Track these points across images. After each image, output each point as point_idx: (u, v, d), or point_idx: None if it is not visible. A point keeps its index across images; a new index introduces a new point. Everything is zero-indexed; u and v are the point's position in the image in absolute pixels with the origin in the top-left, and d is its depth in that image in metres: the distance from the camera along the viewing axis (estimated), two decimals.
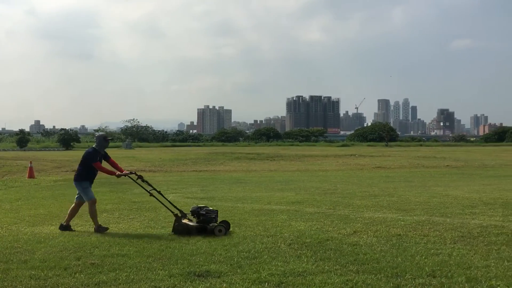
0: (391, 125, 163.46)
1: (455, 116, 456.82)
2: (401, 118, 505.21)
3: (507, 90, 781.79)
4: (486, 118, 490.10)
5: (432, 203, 11.23)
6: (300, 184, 16.85)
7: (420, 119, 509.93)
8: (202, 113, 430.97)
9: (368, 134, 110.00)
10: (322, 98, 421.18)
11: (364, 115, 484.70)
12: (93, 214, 8.00)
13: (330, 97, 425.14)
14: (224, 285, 4.89)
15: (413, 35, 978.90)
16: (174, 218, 7.71)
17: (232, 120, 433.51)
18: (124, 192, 14.00)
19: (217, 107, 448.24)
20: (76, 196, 8.30)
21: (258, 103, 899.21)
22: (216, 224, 7.56)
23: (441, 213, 9.69)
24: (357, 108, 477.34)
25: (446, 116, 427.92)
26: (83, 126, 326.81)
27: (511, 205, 10.61)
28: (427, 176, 20.79)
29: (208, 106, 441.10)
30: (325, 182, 17.89)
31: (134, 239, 7.24)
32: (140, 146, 66.01)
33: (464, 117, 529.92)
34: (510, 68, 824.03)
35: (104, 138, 8.41)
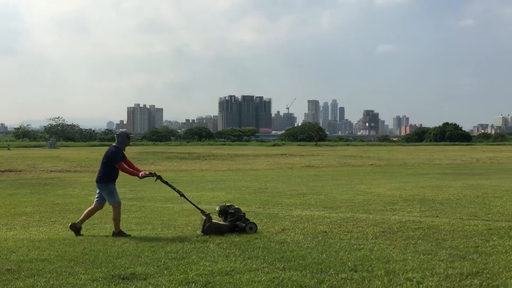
0: (320, 125, 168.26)
1: (380, 117, 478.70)
2: (329, 119, 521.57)
3: (426, 93, 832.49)
4: (407, 119, 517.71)
5: (357, 200, 11.70)
6: (231, 184, 16.91)
7: (347, 119, 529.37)
8: (132, 112, 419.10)
9: (299, 134, 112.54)
10: (254, 98, 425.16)
11: (295, 115, 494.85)
12: (117, 218, 7.47)
13: (262, 97, 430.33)
14: (150, 287, 4.80)
15: (341, 39, 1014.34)
16: (204, 218, 7.46)
17: (164, 119, 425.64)
18: (46, 194, 13.33)
19: (148, 106, 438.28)
20: (96, 198, 7.69)
21: (190, 102, 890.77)
22: (247, 222, 7.55)
23: (365, 210, 10.12)
24: (288, 108, 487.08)
25: (371, 117, 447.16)
26: (2, 125, 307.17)
27: (428, 201, 11.29)
28: (353, 174, 21.63)
29: (138, 104, 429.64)
30: (255, 181, 18.08)
31: (55, 243, 6.91)
32: (65, 146, 62.98)
33: (387, 118, 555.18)
34: (430, 72, 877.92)
35: (127, 136, 8.00)
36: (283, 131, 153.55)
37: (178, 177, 20.22)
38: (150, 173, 7.68)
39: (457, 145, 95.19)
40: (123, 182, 17.26)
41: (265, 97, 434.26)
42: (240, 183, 17.28)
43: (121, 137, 7.75)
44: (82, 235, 7.58)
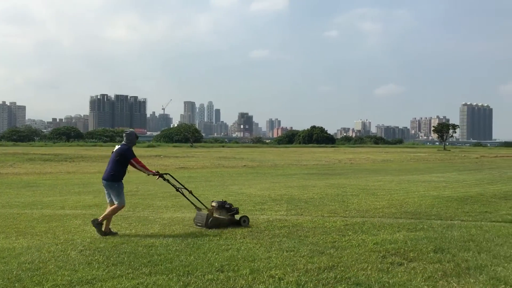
0: (197, 126, 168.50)
1: (254, 119, 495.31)
2: (205, 120, 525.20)
3: (296, 98, 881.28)
4: (279, 122, 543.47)
5: (228, 201, 11.86)
6: (100, 187, 16.04)
7: (223, 121, 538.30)
8: None
9: (174, 135, 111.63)
10: (129, 97, 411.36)
11: (171, 116, 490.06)
12: (110, 215, 7.57)
13: (137, 97, 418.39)
14: None
15: (217, 42, 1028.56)
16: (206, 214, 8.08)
17: (27, 118, 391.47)
18: None
19: (8, 103, 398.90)
20: (109, 198, 7.76)
21: (58, 101, 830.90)
22: (240, 215, 8.35)
23: None
24: (164, 109, 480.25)
25: (246, 120, 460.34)
26: None
27: (294, 201, 11.91)
28: (226, 175, 22.00)
29: None
30: (126, 183, 17.17)
31: None
32: None
33: (261, 121, 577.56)
34: (299, 78, 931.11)
35: (136, 135, 8.21)
36: (158, 132, 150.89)
37: (41, 180, 18.69)
38: (157, 173, 8.15)
39: (323, 147, 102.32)
40: None
41: (140, 97, 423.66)
42: None
43: (131, 136, 8.00)
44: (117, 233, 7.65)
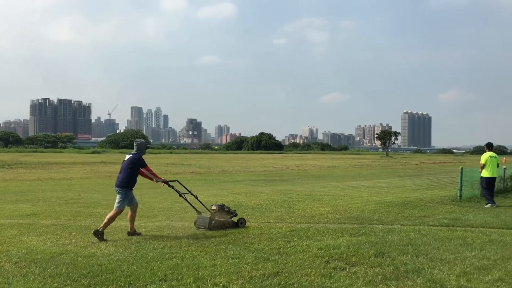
0: (144, 132, 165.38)
1: (203, 125, 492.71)
2: (153, 126, 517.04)
3: (246, 105, 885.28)
4: (228, 128, 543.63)
5: (174, 208, 11.74)
6: (39, 195, 15.41)
7: (171, 127, 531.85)
8: None
9: (120, 141, 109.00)
10: (73, 102, 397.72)
11: (117, 122, 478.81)
12: (110, 220, 7.88)
13: (81, 101, 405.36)
14: None
15: (166, 46, 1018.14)
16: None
17: None
18: None
19: None
20: (128, 204, 8.12)
21: None
22: (238, 217, 9.03)
23: (181, 217, 10.22)
24: (109, 114, 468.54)
25: (194, 126, 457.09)
26: None
27: (242, 207, 11.91)
28: None
29: None
30: (68, 191, 16.82)
31: None
32: None
33: (210, 127, 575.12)
34: (248, 84, 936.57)
35: (145, 145, 8.64)
36: (104, 138, 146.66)
37: None
38: (165, 180, 8.62)
39: (271, 153, 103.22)
40: None
41: (85, 101, 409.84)
42: (50, 193, 15.86)
43: (141, 146, 8.43)
44: (140, 233, 8.15)
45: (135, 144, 8.54)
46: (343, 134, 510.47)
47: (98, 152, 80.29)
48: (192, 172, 30.77)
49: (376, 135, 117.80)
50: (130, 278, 5.30)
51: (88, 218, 10.17)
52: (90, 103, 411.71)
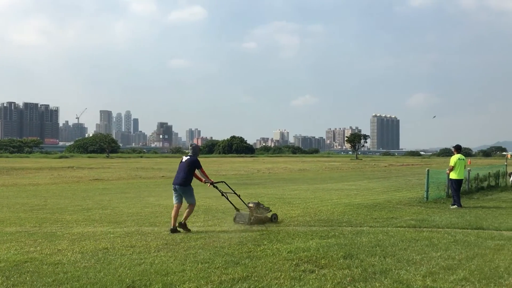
0: (114, 136, 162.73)
1: (173, 129, 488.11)
2: (123, 130, 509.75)
3: (217, 108, 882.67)
4: (199, 132, 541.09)
5: (144, 213, 11.59)
6: (3, 201, 14.96)
7: (141, 131, 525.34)
8: None
9: (89, 146, 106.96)
10: (39, 106, 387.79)
11: (85, 126, 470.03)
12: (189, 214, 9.03)
13: (48, 105, 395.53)
14: None
15: (135, 50, 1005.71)
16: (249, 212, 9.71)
17: None
18: None
19: None
20: (177, 200, 9.09)
21: None
22: (271, 213, 10.09)
23: (151, 222, 10.08)
24: (78, 118, 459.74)
25: (165, 129, 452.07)
26: None
27: (212, 211, 11.88)
28: (143, 187, 21.40)
29: None
30: (34, 197, 16.38)
31: None
32: None
33: (181, 131, 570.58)
34: (219, 88, 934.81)
35: (199, 148, 9.96)
36: (72, 142, 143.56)
37: None
38: (212, 182, 9.46)
39: (242, 156, 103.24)
40: None
41: (52, 105, 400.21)
42: (15, 199, 15.41)
43: (196, 149, 9.57)
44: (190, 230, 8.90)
45: (190, 147, 9.71)
46: (314, 137, 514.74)
47: (66, 157, 78.59)
48: (163, 176, 30.44)
49: (346, 138, 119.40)
50: (96, 286, 5.20)
51: (54, 224, 9.92)
52: (57, 107, 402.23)
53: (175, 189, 9.09)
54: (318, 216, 10.97)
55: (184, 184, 9.02)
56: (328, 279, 5.51)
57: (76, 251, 7.09)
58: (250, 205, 9.83)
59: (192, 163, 9.19)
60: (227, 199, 9.89)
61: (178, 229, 8.81)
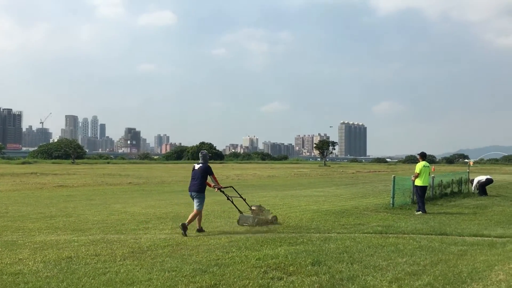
0: (79, 142, 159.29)
1: (142, 135, 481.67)
2: (89, 135, 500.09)
3: (186, 114, 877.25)
4: (168, 138, 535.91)
5: (110, 220, 11.34)
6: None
7: (108, 136, 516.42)
8: None
9: (54, 151, 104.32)
10: (1, 110, 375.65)
11: (50, 131, 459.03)
12: (193, 218, 9.49)
13: (11, 109, 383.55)
14: None
15: (102, 54, 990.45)
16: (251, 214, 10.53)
17: None
18: None
19: None
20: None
21: None
22: (271, 215, 10.87)
23: (117, 230, 9.87)
24: (42, 123, 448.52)
25: (133, 135, 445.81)
26: None
27: (180, 218, 11.69)
28: (109, 193, 20.98)
29: None
30: None
31: None
32: None
33: (149, 137, 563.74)
34: (188, 93, 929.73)
35: (208, 155, 10.36)
36: (35, 148, 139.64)
37: None
38: (221, 188, 10.05)
39: (212, 163, 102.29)
40: None
41: (15, 109, 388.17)
42: None
43: (206, 156, 10.04)
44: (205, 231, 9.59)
45: (200, 155, 10.07)
46: (283, 143, 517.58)
47: (29, 163, 76.29)
48: (130, 182, 29.93)
49: (314, 145, 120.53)
50: None
51: (15, 233, 9.59)
52: (21, 111, 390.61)
53: (191, 196, 9.70)
54: (286, 222, 11.00)
55: (199, 190, 9.61)
56: (296, 286, 5.51)
57: (38, 260, 6.87)
58: (253, 208, 10.69)
59: (205, 170, 9.74)
60: (232, 202, 10.57)
61: (199, 228, 9.64)
